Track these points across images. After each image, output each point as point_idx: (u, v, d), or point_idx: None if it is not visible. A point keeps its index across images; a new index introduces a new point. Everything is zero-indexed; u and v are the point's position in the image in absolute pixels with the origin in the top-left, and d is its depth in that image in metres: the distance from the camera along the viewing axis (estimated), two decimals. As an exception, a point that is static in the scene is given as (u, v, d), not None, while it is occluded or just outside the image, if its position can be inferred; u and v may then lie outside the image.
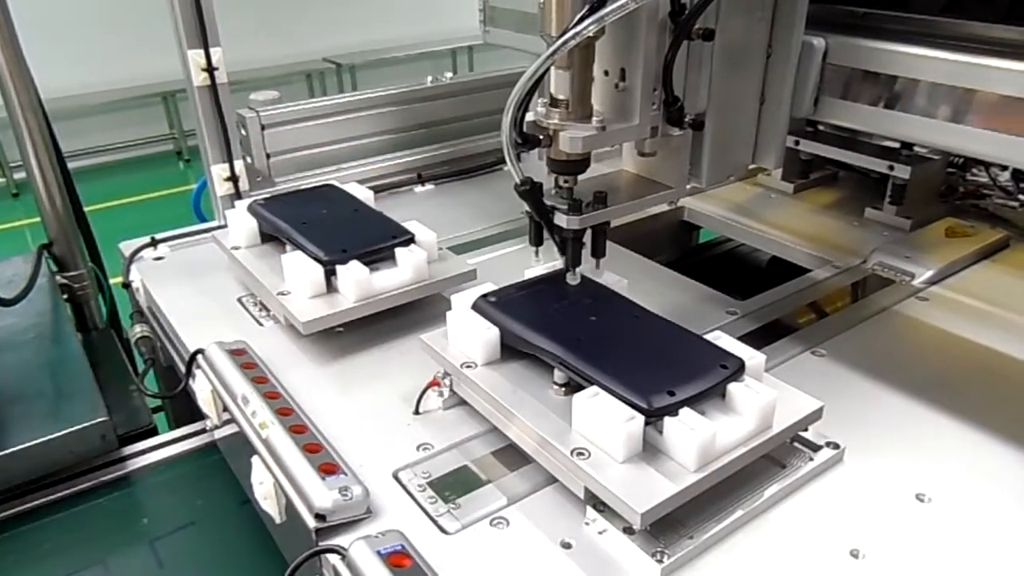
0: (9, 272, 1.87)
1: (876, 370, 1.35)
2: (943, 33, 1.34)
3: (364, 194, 1.80)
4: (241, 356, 1.36)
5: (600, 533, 1.03)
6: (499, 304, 1.26)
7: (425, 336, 1.29)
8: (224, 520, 1.38)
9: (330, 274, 1.47)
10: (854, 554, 1.00)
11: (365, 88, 2.39)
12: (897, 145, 1.89)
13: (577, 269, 1.32)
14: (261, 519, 1.26)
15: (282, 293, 1.47)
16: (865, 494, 1.10)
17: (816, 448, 1.16)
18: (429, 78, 2.44)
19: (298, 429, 1.16)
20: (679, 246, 2.35)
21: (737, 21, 1.26)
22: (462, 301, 1.29)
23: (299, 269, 1.45)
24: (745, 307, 1.56)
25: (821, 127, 2.01)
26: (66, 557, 1.30)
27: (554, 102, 1.19)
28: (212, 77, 1.80)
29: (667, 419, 1.01)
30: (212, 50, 1.78)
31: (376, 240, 1.54)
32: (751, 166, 1.48)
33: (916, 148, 1.87)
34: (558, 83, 1.18)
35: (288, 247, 1.56)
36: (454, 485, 1.12)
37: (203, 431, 1.55)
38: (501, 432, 1.22)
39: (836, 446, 1.16)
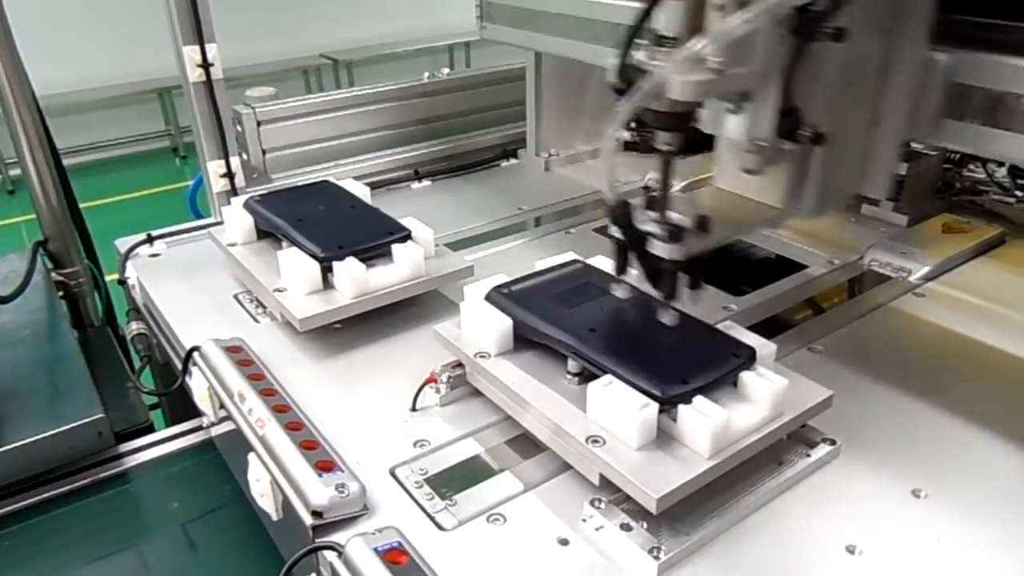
0: (4, 269, 1.87)
1: (873, 366, 1.35)
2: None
3: (361, 190, 1.79)
4: (237, 353, 1.36)
5: (597, 530, 1.03)
6: (512, 295, 1.28)
7: (438, 327, 1.29)
8: (220, 517, 1.37)
9: (327, 271, 1.46)
10: (850, 550, 1.00)
11: (362, 84, 2.38)
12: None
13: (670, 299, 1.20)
14: (258, 516, 1.26)
15: (278, 290, 1.47)
16: (861, 490, 1.10)
17: (813, 444, 1.16)
18: (426, 74, 2.43)
19: (295, 426, 1.16)
20: (676, 242, 2.35)
21: (859, 29, 1.07)
22: (475, 292, 1.30)
23: (295, 266, 1.45)
24: (742, 303, 1.56)
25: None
26: (62, 554, 1.30)
27: (660, 41, 1.01)
28: (208, 73, 1.80)
29: (681, 407, 1.02)
30: (207, 46, 1.78)
31: (373, 237, 1.54)
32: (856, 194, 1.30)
33: (912, 144, 1.87)
34: (668, 16, 1.00)
35: (284, 244, 1.55)
36: (451, 482, 1.12)
37: (199, 428, 1.55)
38: (499, 429, 1.22)
39: (833, 442, 1.16)
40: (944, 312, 1.53)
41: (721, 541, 1.02)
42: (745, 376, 1.09)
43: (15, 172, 6.36)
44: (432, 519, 1.05)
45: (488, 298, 1.28)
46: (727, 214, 1.19)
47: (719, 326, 1.19)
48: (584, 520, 1.04)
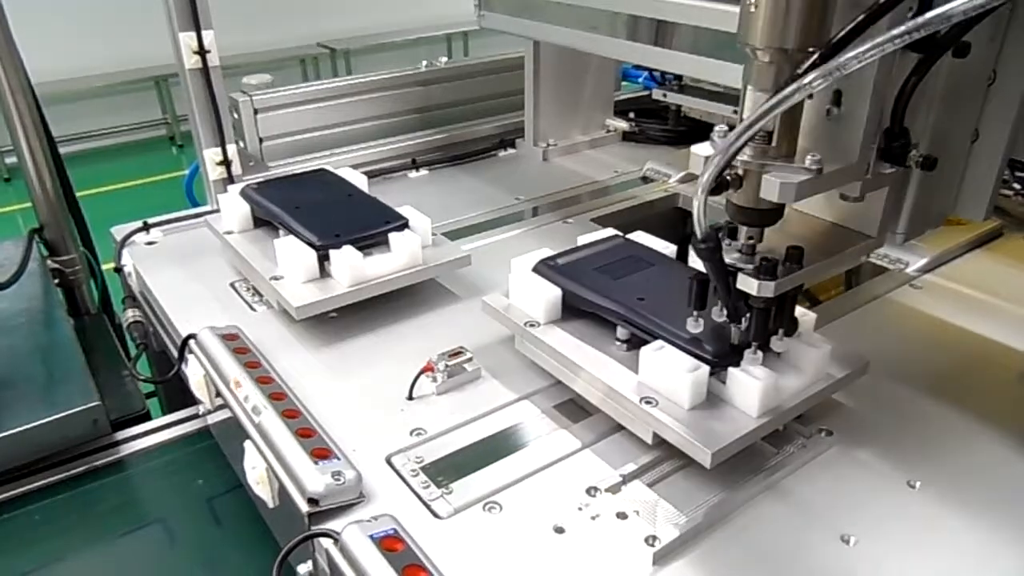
0: (0, 257, 1.86)
1: (869, 357, 1.35)
2: None
3: (358, 179, 1.79)
4: (234, 341, 1.36)
5: (593, 518, 1.03)
6: (559, 267, 1.33)
7: (486, 297, 1.35)
8: (217, 505, 1.37)
9: (323, 259, 1.46)
10: (844, 539, 1.00)
11: (360, 74, 2.37)
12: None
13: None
14: (254, 504, 1.26)
15: (275, 278, 1.47)
16: (856, 480, 1.10)
17: (809, 434, 1.16)
18: (424, 63, 2.42)
19: (291, 414, 1.16)
20: (674, 232, 2.35)
21: (976, 40, 0.96)
22: (521, 265, 1.35)
23: (292, 254, 1.45)
24: (739, 294, 1.56)
25: (685, 80, 1.91)
26: (58, 541, 1.30)
27: (752, 137, 0.89)
28: (204, 60, 1.79)
29: (732, 369, 1.07)
30: (204, 32, 1.76)
31: (370, 225, 1.54)
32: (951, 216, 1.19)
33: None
34: (752, 108, 0.91)
35: (281, 232, 1.55)
36: (447, 470, 1.12)
37: (196, 416, 1.55)
38: (495, 419, 1.22)
39: (829, 432, 1.16)
40: (941, 304, 1.53)
41: (716, 530, 1.02)
42: (789, 342, 1.12)
43: (11, 160, 6.34)
44: (428, 507, 1.06)
45: (536, 269, 1.33)
46: (818, 244, 1.08)
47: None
48: (580, 509, 1.05)
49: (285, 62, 7.85)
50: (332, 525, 1.01)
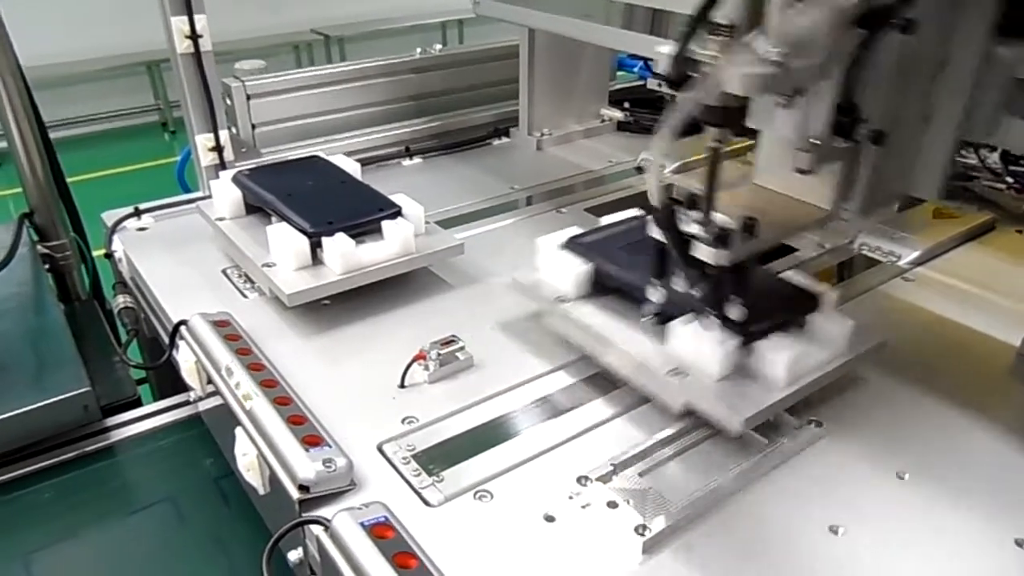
0: (-11, 241, 1.85)
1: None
2: None
3: (351, 166, 1.78)
4: (225, 327, 1.35)
5: (583, 507, 1.03)
6: (587, 245, 1.38)
7: (516, 274, 1.40)
8: (207, 492, 1.37)
9: (316, 246, 1.46)
10: (833, 530, 1.01)
11: (353, 60, 2.35)
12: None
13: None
14: (245, 491, 1.26)
15: (267, 265, 1.46)
16: (846, 471, 1.11)
17: (799, 425, 1.17)
18: (418, 50, 2.41)
19: (282, 401, 1.16)
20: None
21: (924, 19, 0.99)
22: (547, 243, 1.39)
23: (284, 240, 1.44)
24: (732, 285, 1.57)
25: None
26: (47, 527, 1.29)
27: (715, 28, 0.93)
28: (196, 44, 1.77)
29: (761, 341, 1.13)
30: (196, 16, 1.75)
31: (363, 212, 1.53)
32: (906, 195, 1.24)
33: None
34: (726, 3, 0.93)
35: (274, 218, 1.54)
36: (438, 458, 1.12)
37: (187, 403, 1.54)
38: (486, 408, 1.22)
39: (819, 424, 1.17)
40: (933, 297, 1.54)
41: (707, 519, 1.02)
42: (814, 317, 1.19)
43: (1, 145, 6.29)
44: (419, 495, 1.06)
45: (565, 246, 1.37)
46: (773, 216, 1.13)
47: (784, 275, 1.31)
48: (571, 497, 1.05)
49: (279, 48, 7.81)
50: (323, 512, 1.01)
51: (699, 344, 1.13)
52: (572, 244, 1.38)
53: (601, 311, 1.30)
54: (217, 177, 1.72)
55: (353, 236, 1.46)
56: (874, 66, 1.02)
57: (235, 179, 1.66)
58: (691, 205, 1.07)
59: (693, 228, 1.06)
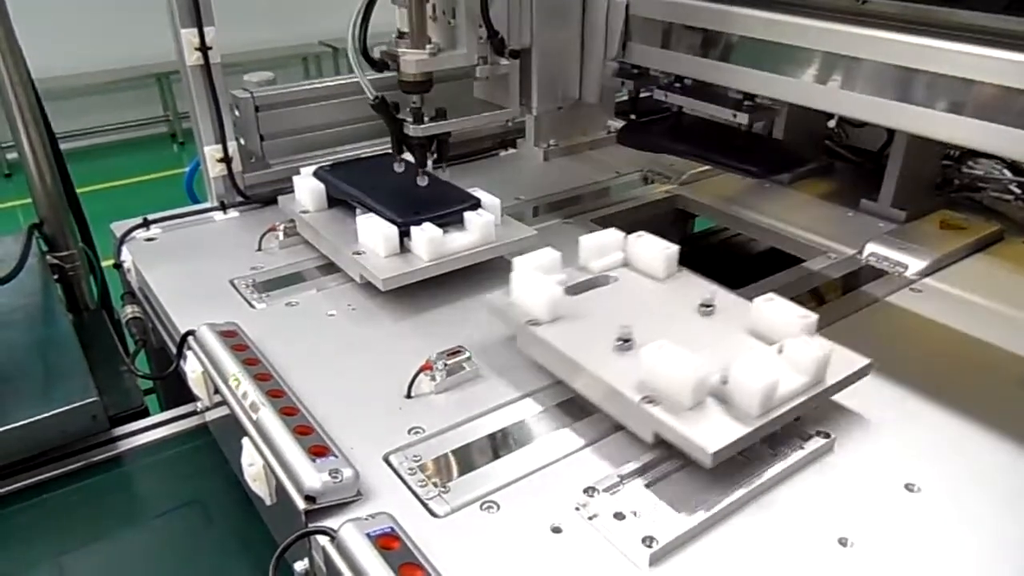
0: (-1, 251, 1.86)
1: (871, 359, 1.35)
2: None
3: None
4: (232, 338, 1.36)
5: (590, 518, 1.03)
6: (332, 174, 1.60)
7: (489, 296, 1.37)
8: (214, 502, 1.37)
9: (402, 235, 1.54)
10: (842, 542, 1.00)
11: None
12: (740, 96, 1.88)
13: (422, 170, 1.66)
14: (251, 501, 1.26)
15: (357, 252, 1.55)
16: (854, 483, 1.10)
17: (807, 437, 1.16)
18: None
19: (289, 411, 1.16)
20: (674, 235, 2.34)
21: None
22: (524, 264, 1.36)
23: (375, 230, 1.53)
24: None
25: (687, 81, 2.02)
26: (55, 537, 1.30)
27: (401, 34, 1.55)
28: (206, 56, 1.79)
29: (733, 367, 1.07)
30: (206, 29, 1.76)
31: (446, 204, 1.63)
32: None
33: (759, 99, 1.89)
34: (401, 18, 1.55)
35: (359, 210, 1.62)
36: (445, 469, 1.12)
37: (194, 413, 1.55)
38: (489, 421, 1.22)
39: (827, 435, 1.16)
40: (940, 308, 1.53)
41: (714, 532, 1.02)
42: (790, 342, 1.15)
43: (12, 156, 6.34)
44: (425, 505, 1.05)
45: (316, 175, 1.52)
46: (464, 107, 1.75)
47: (762, 297, 1.27)
48: (577, 508, 1.04)
49: (287, 60, 7.87)
50: (329, 523, 1.00)
51: (671, 372, 1.08)
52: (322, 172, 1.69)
53: (573, 335, 1.25)
54: (224, 188, 1.80)
55: (438, 226, 1.54)
56: (523, 6, 1.77)
57: (316, 174, 1.76)
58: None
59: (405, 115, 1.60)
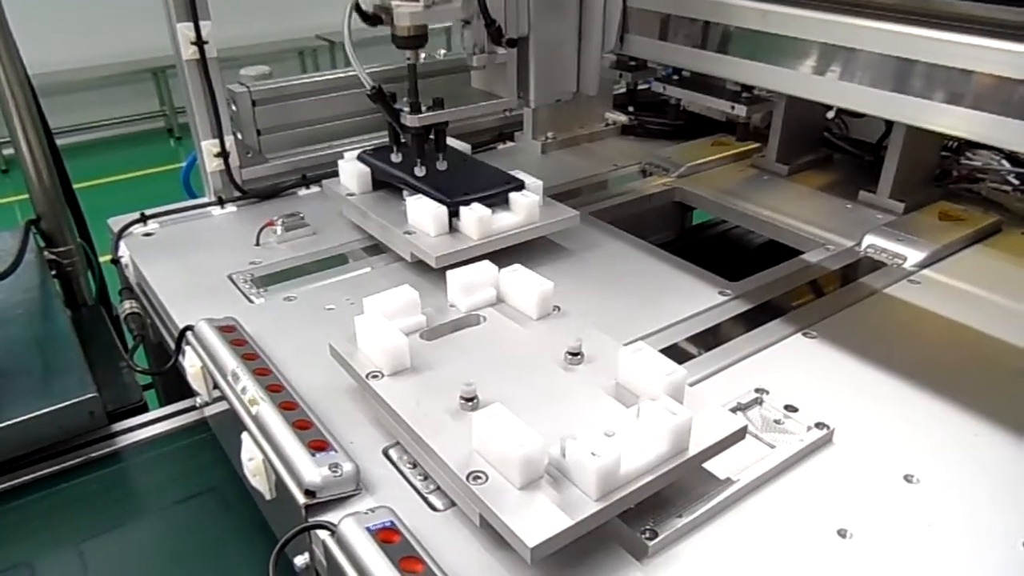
0: (-4, 247, 1.86)
1: (866, 352, 1.36)
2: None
3: (463, 147, 1.94)
4: (231, 333, 1.35)
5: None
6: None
7: (333, 341, 1.21)
8: (213, 497, 1.37)
9: (451, 215, 1.58)
10: (841, 533, 1.00)
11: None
12: (738, 88, 1.99)
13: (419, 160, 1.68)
14: (251, 496, 1.26)
15: (408, 232, 1.58)
16: (853, 475, 1.10)
17: (806, 428, 1.16)
18: (423, 55, 2.41)
19: (288, 406, 1.16)
20: (672, 227, 2.35)
21: None
22: (374, 305, 1.21)
23: (425, 210, 1.57)
24: (738, 288, 1.56)
25: (685, 73, 2.13)
26: (55, 533, 1.30)
27: None
28: (202, 51, 1.78)
29: (569, 442, 0.92)
30: (202, 23, 1.76)
31: (492, 185, 1.67)
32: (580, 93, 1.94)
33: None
34: None
35: (406, 192, 1.67)
36: (444, 463, 1.12)
37: (193, 408, 1.55)
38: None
39: (826, 427, 1.16)
40: (939, 299, 1.53)
41: (713, 524, 1.02)
42: (645, 407, 0.98)
43: (8, 151, 6.32)
44: (425, 499, 1.06)
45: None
46: (463, 97, 1.79)
47: (631, 347, 1.11)
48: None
49: (284, 54, 7.85)
50: (329, 517, 1.01)
51: (501, 445, 0.93)
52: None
53: (416, 390, 1.10)
54: (221, 183, 1.79)
55: (486, 206, 1.58)
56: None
57: (360, 158, 1.79)
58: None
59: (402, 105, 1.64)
